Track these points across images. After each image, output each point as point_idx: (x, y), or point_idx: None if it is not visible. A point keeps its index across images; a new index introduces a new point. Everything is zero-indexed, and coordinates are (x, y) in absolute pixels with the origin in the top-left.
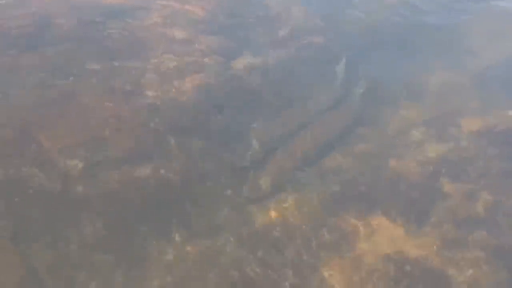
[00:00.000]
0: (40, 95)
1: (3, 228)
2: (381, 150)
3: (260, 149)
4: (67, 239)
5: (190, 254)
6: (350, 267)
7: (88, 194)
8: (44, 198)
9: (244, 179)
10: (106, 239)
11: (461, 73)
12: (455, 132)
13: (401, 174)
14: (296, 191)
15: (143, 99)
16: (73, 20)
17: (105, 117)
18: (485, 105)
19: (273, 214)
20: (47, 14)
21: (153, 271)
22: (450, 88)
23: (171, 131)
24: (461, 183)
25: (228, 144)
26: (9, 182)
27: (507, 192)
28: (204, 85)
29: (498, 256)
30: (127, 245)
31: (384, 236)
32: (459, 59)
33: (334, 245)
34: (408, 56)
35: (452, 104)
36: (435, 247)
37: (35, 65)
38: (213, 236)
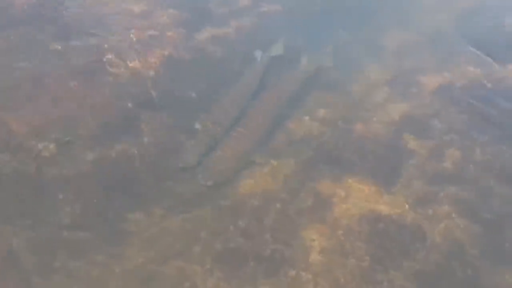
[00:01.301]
0: (4, 78)
1: None
2: (347, 114)
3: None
4: (45, 221)
5: (170, 228)
6: (329, 230)
7: (62, 175)
8: (18, 182)
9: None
10: (84, 218)
11: (416, 32)
12: (417, 91)
13: (369, 135)
14: (268, 161)
15: (108, 76)
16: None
17: (72, 97)
18: (443, 62)
19: (248, 184)
20: None
21: (135, 247)
22: (408, 47)
23: (140, 108)
24: (427, 140)
25: (197, 117)
26: None
27: (472, 146)
28: (168, 60)
29: (469, 210)
30: (106, 223)
31: (358, 197)
32: (413, 19)
33: (312, 209)
34: (363, 18)
35: (411, 63)
36: (407, 205)
37: None
38: (192, 210)
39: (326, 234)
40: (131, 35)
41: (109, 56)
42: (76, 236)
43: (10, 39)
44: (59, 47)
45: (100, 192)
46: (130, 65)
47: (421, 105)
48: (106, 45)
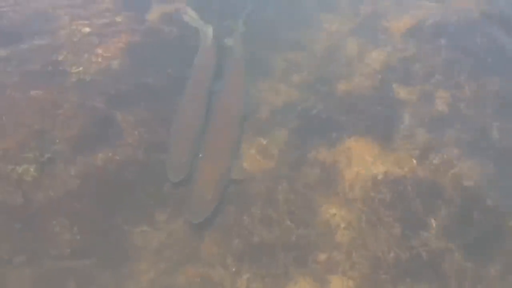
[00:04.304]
0: None
1: None
2: (323, 74)
3: None
4: (43, 253)
5: (176, 233)
6: (346, 201)
7: (51, 198)
8: (7, 214)
9: None
10: (83, 242)
11: None
12: (387, 36)
13: (354, 92)
14: (258, 139)
15: (69, 77)
16: None
17: (38, 108)
18: (403, 2)
19: (245, 167)
20: None
21: (143, 261)
22: None
23: (112, 105)
24: (413, 86)
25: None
26: None
27: (458, 83)
28: (128, 47)
29: (474, 150)
30: (107, 242)
31: (363, 159)
32: None
33: (321, 181)
34: None
35: (370, 8)
36: (414, 160)
37: None
38: None
39: (344, 205)
40: (80, 27)
41: (64, 54)
42: (80, 264)
43: None
44: (6, 53)
45: (95, 210)
46: (89, 60)
47: (397, 50)
48: (57, 43)
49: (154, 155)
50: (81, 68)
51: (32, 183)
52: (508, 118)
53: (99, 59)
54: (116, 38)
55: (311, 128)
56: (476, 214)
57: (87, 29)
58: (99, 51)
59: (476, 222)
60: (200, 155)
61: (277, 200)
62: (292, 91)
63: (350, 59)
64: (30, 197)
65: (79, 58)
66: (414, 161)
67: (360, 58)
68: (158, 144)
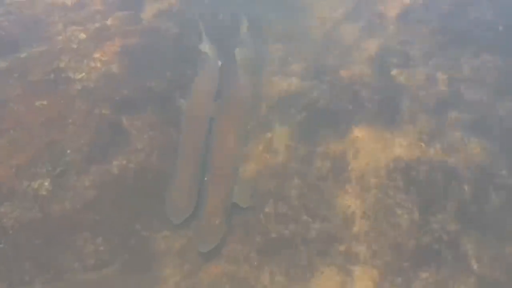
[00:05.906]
0: None
1: None
2: (324, 62)
3: None
4: (68, 268)
5: None
6: (361, 189)
7: (69, 211)
8: (28, 231)
9: None
10: (107, 252)
11: None
12: (380, 21)
13: (356, 79)
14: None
15: (72, 84)
16: None
17: (46, 119)
18: None
19: (253, 165)
20: None
21: (167, 265)
22: None
23: (118, 110)
24: (412, 68)
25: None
26: None
27: (455, 65)
28: (125, 49)
29: (480, 131)
30: (130, 249)
31: (371, 147)
32: None
33: (333, 172)
34: None
35: None
36: (422, 144)
37: None
38: None
39: (362, 195)
40: (77, 32)
41: (64, 61)
42: (106, 273)
43: None
44: (5, 64)
45: (115, 219)
46: (90, 66)
47: (392, 34)
48: (55, 50)
49: (167, 159)
50: (83, 74)
51: (48, 197)
52: (509, 95)
53: (98, 65)
54: (111, 42)
55: (315, 119)
56: (487, 192)
57: (82, 35)
58: (97, 56)
59: (487, 201)
60: (206, 179)
61: (291, 195)
62: (292, 81)
63: (347, 45)
64: (48, 212)
65: (79, 64)
66: (423, 145)
67: (357, 44)
68: (169, 148)
